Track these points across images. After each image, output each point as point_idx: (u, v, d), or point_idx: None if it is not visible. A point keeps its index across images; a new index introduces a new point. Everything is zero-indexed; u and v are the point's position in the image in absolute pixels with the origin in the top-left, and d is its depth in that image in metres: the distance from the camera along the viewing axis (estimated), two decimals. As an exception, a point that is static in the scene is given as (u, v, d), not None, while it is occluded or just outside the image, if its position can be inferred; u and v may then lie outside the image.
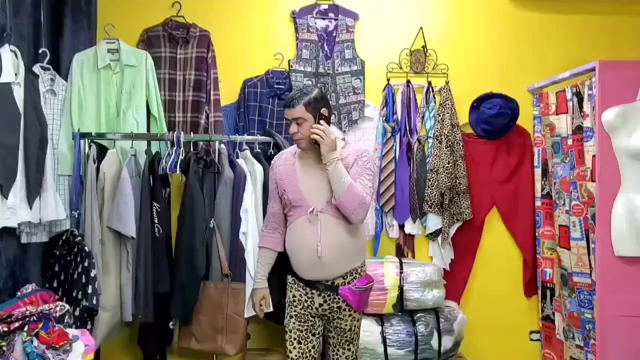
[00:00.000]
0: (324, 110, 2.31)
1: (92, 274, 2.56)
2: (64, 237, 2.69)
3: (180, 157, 2.85)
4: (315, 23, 3.35)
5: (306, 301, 2.35)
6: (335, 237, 2.31)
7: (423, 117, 3.37)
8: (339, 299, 2.35)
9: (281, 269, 2.51)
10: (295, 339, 2.35)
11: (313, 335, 2.38)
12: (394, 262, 3.07)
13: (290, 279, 2.43)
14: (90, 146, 2.84)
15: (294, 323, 2.36)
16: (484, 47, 3.44)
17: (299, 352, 2.35)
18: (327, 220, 2.31)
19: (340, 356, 2.42)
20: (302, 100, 2.30)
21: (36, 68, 2.67)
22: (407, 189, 3.29)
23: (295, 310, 2.36)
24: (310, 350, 2.36)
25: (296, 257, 2.36)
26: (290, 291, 2.41)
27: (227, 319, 2.83)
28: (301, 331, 2.35)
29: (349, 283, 2.35)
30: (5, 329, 2.01)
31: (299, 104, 2.30)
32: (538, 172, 3.36)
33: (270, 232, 2.50)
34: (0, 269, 2.36)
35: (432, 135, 3.31)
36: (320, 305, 2.35)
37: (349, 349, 2.42)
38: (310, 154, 2.36)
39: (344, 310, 2.37)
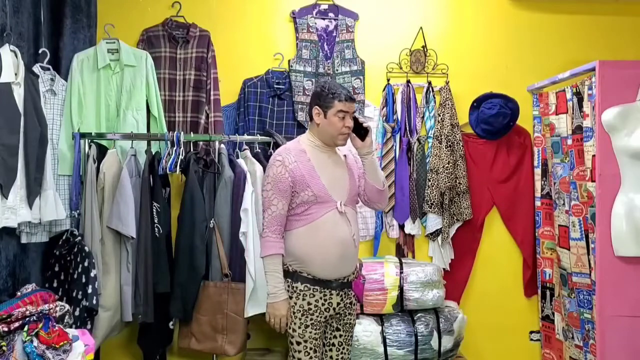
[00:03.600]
0: None
1: (92, 274, 2.57)
2: (64, 237, 2.69)
3: (180, 157, 2.85)
4: (315, 23, 3.34)
5: (323, 305, 2.33)
6: (357, 228, 2.43)
7: (423, 117, 3.37)
8: (350, 294, 2.41)
9: None
10: (311, 348, 2.30)
11: (322, 340, 2.40)
12: (394, 262, 3.07)
13: (302, 286, 2.33)
14: (90, 146, 2.84)
15: (310, 332, 2.30)
16: (484, 47, 3.44)
17: None
18: (351, 212, 2.37)
19: (345, 354, 2.44)
20: None
21: (36, 68, 2.67)
22: (407, 189, 3.29)
23: (311, 319, 2.31)
24: (319, 357, 2.36)
25: (322, 256, 2.31)
26: (305, 299, 2.32)
27: (227, 319, 2.83)
28: (316, 339, 2.33)
29: (355, 277, 2.43)
30: (5, 329, 2.00)
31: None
32: (538, 172, 3.36)
33: (278, 237, 2.35)
34: (0, 269, 2.36)
35: (432, 135, 3.31)
36: (338, 304, 2.37)
37: (350, 345, 2.49)
38: (326, 149, 2.39)
39: (354, 305, 2.45)
